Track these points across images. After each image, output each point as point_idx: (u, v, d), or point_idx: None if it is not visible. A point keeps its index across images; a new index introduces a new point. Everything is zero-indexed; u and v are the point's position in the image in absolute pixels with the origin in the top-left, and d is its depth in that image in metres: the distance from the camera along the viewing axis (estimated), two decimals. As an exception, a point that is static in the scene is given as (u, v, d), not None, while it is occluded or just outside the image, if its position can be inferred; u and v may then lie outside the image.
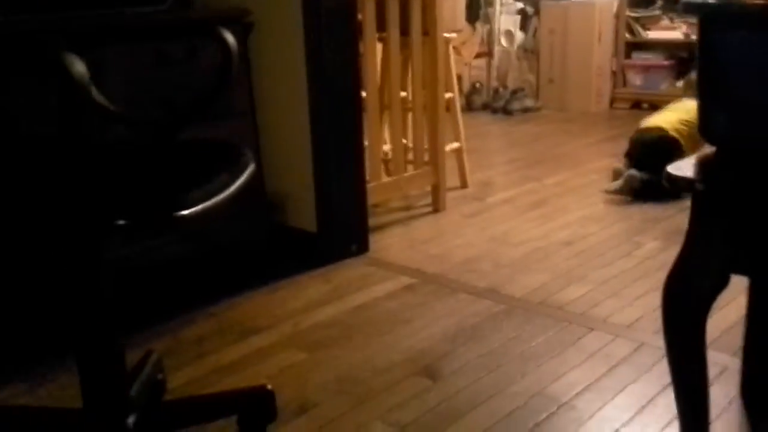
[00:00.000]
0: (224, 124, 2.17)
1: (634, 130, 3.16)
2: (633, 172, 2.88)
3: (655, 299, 1.97)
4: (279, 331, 1.88)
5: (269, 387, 1.44)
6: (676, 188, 0.98)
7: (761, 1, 1.07)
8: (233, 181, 1.22)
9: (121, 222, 1.06)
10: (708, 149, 1.07)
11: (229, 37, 1.38)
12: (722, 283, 1.01)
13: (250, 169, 1.29)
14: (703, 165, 1.00)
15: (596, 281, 2.12)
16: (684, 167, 1.00)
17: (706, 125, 1.03)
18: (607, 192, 2.96)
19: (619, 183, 2.93)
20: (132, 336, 1.76)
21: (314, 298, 2.06)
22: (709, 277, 1.00)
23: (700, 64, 1.02)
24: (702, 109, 1.03)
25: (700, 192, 0.96)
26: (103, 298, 1.28)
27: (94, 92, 1.44)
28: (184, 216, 1.09)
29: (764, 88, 0.95)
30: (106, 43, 1.93)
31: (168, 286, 2.08)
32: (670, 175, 0.98)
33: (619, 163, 3.11)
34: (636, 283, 2.10)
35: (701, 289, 1.01)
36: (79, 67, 1.01)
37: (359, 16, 2.39)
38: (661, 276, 2.10)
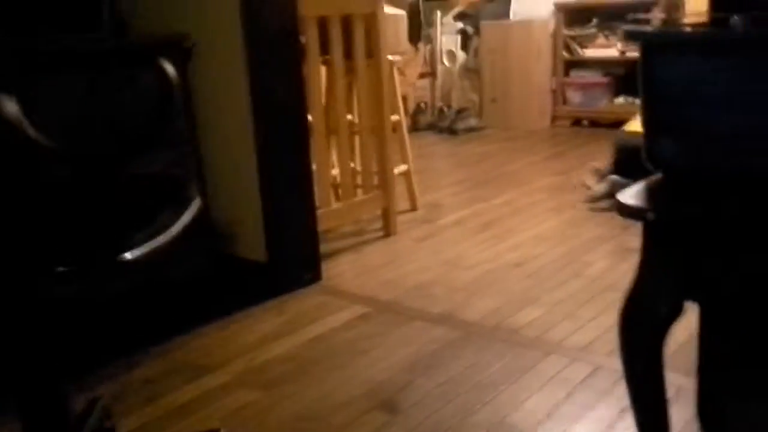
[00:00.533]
0: (165, 153, 2.09)
1: (615, 135, 3.27)
2: (616, 177, 2.97)
3: (607, 320, 1.99)
4: (232, 368, 1.81)
5: (224, 430, 1.38)
6: (627, 217, 0.97)
7: (699, 23, 1.08)
8: (178, 217, 1.16)
9: (61, 269, 0.99)
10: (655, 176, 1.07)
11: (169, 68, 1.33)
12: (677, 311, 1.00)
13: (196, 203, 1.24)
14: (652, 193, 1.00)
15: (549, 303, 2.12)
16: (634, 195, 1.00)
17: (652, 151, 1.03)
18: (591, 196, 3.04)
19: (602, 188, 3.02)
20: (77, 380, 1.66)
21: (268, 331, 2.00)
22: (663, 306, 0.99)
23: (643, 91, 1.02)
24: (647, 136, 1.03)
25: (652, 221, 0.96)
26: (44, 342, 1.20)
27: (29, 130, 1.36)
28: (129, 259, 1.03)
29: (708, 113, 0.96)
30: (39, 73, 1.84)
31: (112, 325, 1.99)
32: (620, 204, 0.97)
33: (598, 163, 3.20)
34: (588, 303, 2.11)
35: (657, 318, 1.00)
36: (10, 107, 0.94)
37: (302, 39, 2.36)
38: (611, 297, 2.13)
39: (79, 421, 1.36)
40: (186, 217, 1.16)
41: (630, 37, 0.98)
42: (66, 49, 1.94)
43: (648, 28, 1.01)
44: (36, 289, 1.11)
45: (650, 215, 0.93)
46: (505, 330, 1.96)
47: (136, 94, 1.98)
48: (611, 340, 1.85)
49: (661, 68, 0.95)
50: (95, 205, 1.22)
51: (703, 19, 1.01)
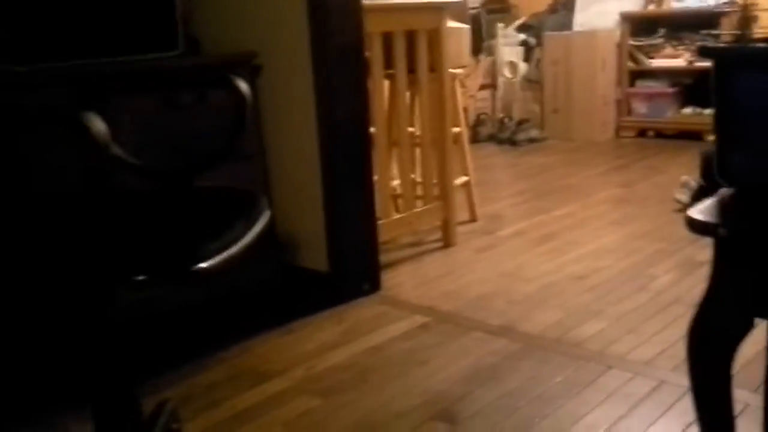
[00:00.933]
0: (234, 166, 2.17)
1: (700, 146, 3.26)
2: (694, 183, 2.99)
3: (672, 335, 1.95)
4: (292, 375, 1.86)
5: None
6: (697, 233, 0.97)
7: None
8: (250, 228, 1.22)
9: (140, 278, 1.05)
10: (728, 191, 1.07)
11: (243, 85, 1.39)
12: (747, 327, 0.99)
13: (266, 215, 1.29)
14: (724, 208, 1.00)
15: (612, 317, 2.10)
16: (705, 210, 1.00)
17: (724, 167, 1.02)
18: (681, 203, 3.06)
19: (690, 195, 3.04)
20: (145, 384, 1.74)
21: (327, 340, 2.05)
22: (733, 322, 0.98)
23: (716, 107, 1.02)
24: (719, 151, 1.02)
25: (723, 237, 0.96)
26: (117, 348, 1.27)
27: (114, 147, 1.45)
28: (203, 268, 1.09)
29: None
30: (118, 92, 1.95)
31: (179, 332, 2.07)
32: (691, 219, 0.97)
33: (688, 177, 3.18)
34: (652, 318, 2.07)
35: (726, 335, 0.99)
36: (98, 125, 1.01)
37: (367, 54, 2.41)
38: (677, 311, 2.09)
39: (149, 423, 1.42)
40: (257, 229, 1.21)
41: (704, 53, 0.98)
42: (143, 69, 2.04)
43: (721, 44, 1.01)
44: (115, 297, 1.18)
45: (722, 231, 0.93)
46: (566, 343, 1.95)
47: (210, 111, 2.06)
48: (675, 354, 1.83)
49: (734, 84, 0.95)
50: (172, 218, 1.29)
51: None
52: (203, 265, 1.08)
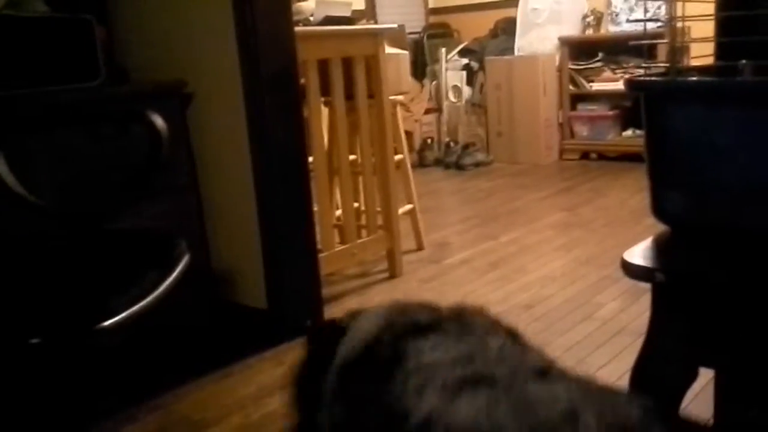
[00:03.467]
0: (164, 200, 2.06)
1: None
2: None
3: (619, 367, 1.91)
4: (229, 425, 1.74)
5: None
6: (633, 278, 0.91)
7: (704, 71, 1.03)
8: (163, 279, 1.11)
9: (35, 340, 0.94)
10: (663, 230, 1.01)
11: (158, 120, 1.29)
12: (691, 378, 0.94)
13: (184, 262, 1.19)
14: (660, 250, 0.94)
15: (560, 348, 2.04)
16: (641, 254, 0.94)
17: (659, 205, 0.97)
18: None
19: None
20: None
21: (266, 383, 1.93)
22: (676, 373, 0.92)
23: (647, 143, 0.97)
24: (653, 189, 0.97)
25: (661, 283, 0.90)
26: (23, 404, 1.15)
27: (13, 184, 1.33)
28: (105, 328, 0.98)
29: (715, 165, 0.90)
30: (33, 126, 1.82)
31: (104, 376, 1.93)
32: (627, 264, 0.91)
33: None
34: (599, 349, 2.03)
35: (668, 386, 0.93)
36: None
37: (302, 81, 2.33)
38: (623, 340, 2.05)
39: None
40: (171, 279, 1.11)
41: (633, 87, 0.92)
42: (59, 100, 1.92)
43: (650, 78, 0.96)
44: (8, 363, 1.06)
45: (659, 276, 0.87)
46: (513, 379, 1.88)
47: (133, 145, 1.95)
48: (624, 387, 1.78)
49: (665, 119, 0.89)
50: (76, 267, 1.17)
51: (709, 66, 0.96)
52: (107, 323, 0.98)
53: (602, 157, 4.93)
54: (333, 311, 2.40)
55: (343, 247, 2.63)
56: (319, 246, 2.38)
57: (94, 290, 1.07)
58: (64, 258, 1.23)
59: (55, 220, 1.36)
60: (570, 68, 4.95)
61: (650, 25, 4.64)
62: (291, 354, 2.11)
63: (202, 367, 2.02)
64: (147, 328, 2.06)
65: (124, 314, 1.00)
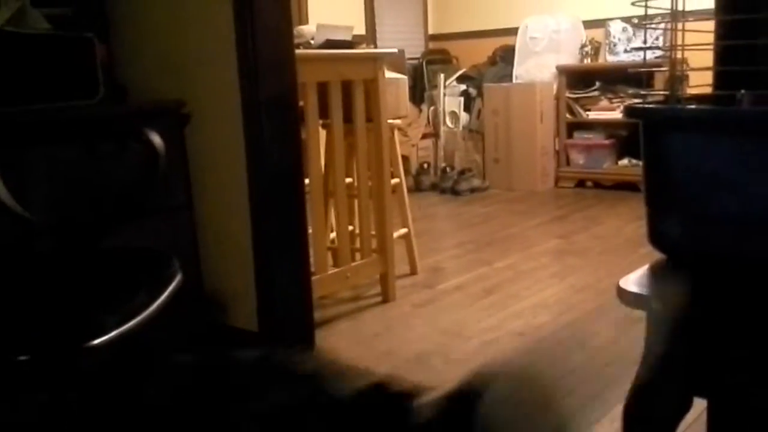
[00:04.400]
0: (157, 219, 2.05)
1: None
2: None
3: (611, 397, 1.89)
4: (215, 448, 1.71)
5: None
6: (628, 305, 0.90)
7: (702, 99, 1.03)
8: (155, 298, 1.10)
9: (23, 358, 0.93)
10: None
11: (156, 139, 1.29)
12: (685, 408, 0.92)
13: (176, 282, 1.17)
14: (656, 278, 0.93)
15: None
16: (636, 281, 0.93)
17: (655, 233, 0.96)
18: None
19: None
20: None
21: (255, 407, 1.91)
22: (669, 402, 0.91)
23: (645, 170, 0.96)
24: (649, 216, 0.97)
25: (656, 311, 0.89)
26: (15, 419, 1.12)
27: (6, 197, 1.31)
28: (94, 346, 0.96)
29: (713, 194, 0.89)
30: (33, 142, 1.82)
31: (87, 401, 1.90)
32: (623, 291, 0.90)
33: None
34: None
35: (662, 416, 0.92)
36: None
37: (301, 104, 2.34)
38: (616, 372, 2.03)
39: None
40: (162, 298, 1.09)
41: (630, 114, 0.92)
42: (58, 120, 1.92)
43: (649, 105, 0.96)
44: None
45: (654, 305, 0.86)
46: (506, 407, 1.86)
47: (131, 162, 1.94)
48: (616, 418, 1.75)
49: (663, 146, 0.89)
50: (67, 284, 1.16)
51: (707, 95, 0.97)
52: (96, 342, 0.96)
53: (598, 185, 4.94)
54: (324, 335, 2.38)
55: (336, 270, 2.62)
56: (312, 268, 2.37)
57: (85, 308, 1.06)
58: (55, 274, 1.22)
59: (48, 236, 1.35)
60: (567, 97, 4.99)
61: (648, 55, 4.69)
62: (282, 377, 2.08)
63: (192, 388, 1.99)
64: (136, 349, 2.04)
65: (113, 333, 0.99)
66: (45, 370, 0.97)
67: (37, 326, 1.01)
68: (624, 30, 4.92)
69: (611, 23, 4.95)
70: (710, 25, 0.96)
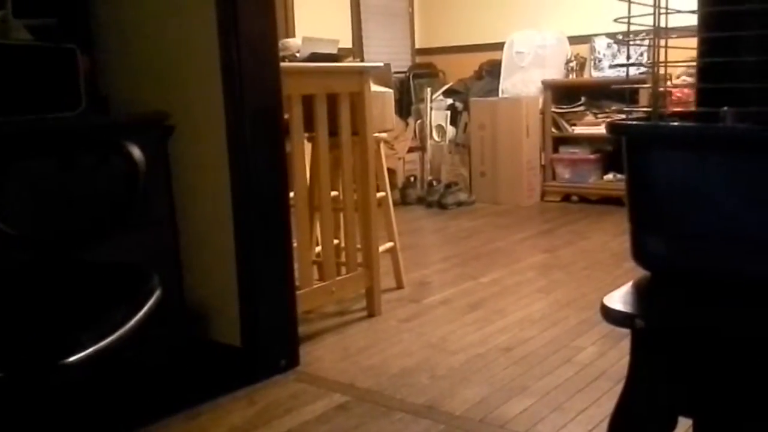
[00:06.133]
0: (140, 232, 2.02)
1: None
2: None
3: (598, 413, 1.88)
4: (196, 466, 1.68)
5: None
6: (612, 324, 0.89)
7: (685, 116, 1.03)
8: (133, 314, 1.07)
9: (-6, 374, 0.90)
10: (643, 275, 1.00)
11: (136, 152, 1.27)
12: (670, 426, 0.91)
13: (155, 297, 1.15)
14: (641, 295, 0.93)
15: (538, 393, 2.01)
16: (621, 299, 0.92)
17: (639, 250, 0.96)
18: None
19: None
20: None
21: (237, 424, 1.88)
22: (654, 422, 0.90)
23: (629, 187, 0.96)
24: (633, 233, 0.96)
25: (641, 328, 0.88)
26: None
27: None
28: (70, 363, 0.94)
29: (696, 211, 0.89)
30: (12, 153, 1.79)
31: (67, 414, 1.86)
32: (607, 309, 0.89)
33: None
34: (578, 394, 2.00)
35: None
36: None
37: (286, 116, 2.32)
38: (602, 386, 2.03)
39: None
40: (141, 314, 1.07)
41: (614, 131, 0.92)
42: (38, 128, 1.89)
43: (631, 122, 0.95)
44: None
45: (638, 323, 0.85)
46: (491, 424, 1.85)
47: (112, 175, 1.92)
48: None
49: (646, 163, 0.89)
50: (42, 300, 1.14)
51: (690, 111, 0.97)
52: (72, 359, 0.94)
53: (583, 199, 4.96)
54: (309, 350, 2.36)
55: (321, 284, 2.60)
56: (297, 282, 2.35)
57: (61, 324, 1.04)
58: (31, 289, 1.20)
59: (25, 249, 1.32)
60: (553, 111, 5.02)
61: (632, 71, 4.74)
62: (264, 393, 2.06)
63: (171, 406, 1.96)
64: (115, 364, 2.01)
65: (90, 350, 0.97)
66: (20, 387, 0.94)
67: (11, 343, 0.99)
68: (609, 46, 4.97)
69: (596, 39, 5.00)
70: (693, 42, 0.96)
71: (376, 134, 2.82)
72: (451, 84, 5.57)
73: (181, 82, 2.17)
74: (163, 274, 1.22)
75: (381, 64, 3.22)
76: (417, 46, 6.08)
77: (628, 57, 4.24)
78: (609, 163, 4.84)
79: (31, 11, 2.07)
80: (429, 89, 5.31)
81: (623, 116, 1.06)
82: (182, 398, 1.99)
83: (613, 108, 4.72)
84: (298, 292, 2.33)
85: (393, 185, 4.61)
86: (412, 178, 5.27)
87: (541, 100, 5.04)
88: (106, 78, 2.31)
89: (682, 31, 0.96)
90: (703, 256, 0.89)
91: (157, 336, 2.09)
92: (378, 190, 2.86)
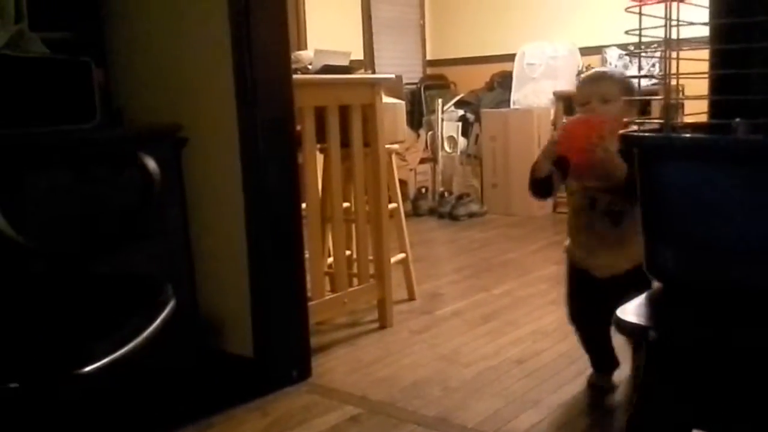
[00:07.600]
0: (154, 243, 2.04)
1: None
2: None
3: (612, 427, 1.87)
4: (208, 477, 1.68)
5: None
6: (625, 335, 0.89)
7: (698, 128, 1.03)
8: (147, 324, 1.08)
9: (13, 385, 0.91)
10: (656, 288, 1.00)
11: (151, 164, 1.28)
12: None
13: (169, 308, 1.16)
14: (654, 307, 0.92)
15: (550, 407, 2.00)
16: (634, 311, 0.92)
17: (653, 261, 0.95)
18: None
19: None
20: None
21: (249, 435, 1.88)
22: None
23: (642, 199, 0.96)
24: (647, 244, 0.96)
25: (654, 340, 0.87)
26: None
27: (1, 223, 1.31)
28: (85, 373, 0.95)
29: (710, 222, 0.89)
30: (28, 165, 1.81)
31: (81, 423, 1.87)
32: (620, 321, 0.89)
33: None
34: (591, 408, 1.99)
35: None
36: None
37: (298, 128, 2.34)
38: (615, 399, 2.01)
39: None
40: (156, 324, 1.08)
41: (628, 143, 0.92)
42: (54, 140, 1.91)
43: (644, 133, 0.95)
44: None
45: (652, 334, 0.85)
46: (503, 436, 1.84)
47: (127, 187, 1.94)
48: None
49: (659, 175, 0.89)
50: (58, 310, 1.15)
51: (702, 123, 0.97)
52: (87, 369, 0.95)
53: (596, 211, 4.93)
54: (321, 362, 2.36)
55: (333, 295, 2.60)
56: (308, 294, 2.35)
57: (76, 334, 1.04)
58: (47, 300, 1.21)
59: (41, 261, 1.34)
60: (564, 122, 5.00)
61: (644, 83, 4.73)
62: (276, 405, 2.06)
63: (184, 416, 1.96)
64: (129, 374, 2.01)
65: (105, 360, 0.97)
66: (34, 397, 0.95)
67: (27, 353, 1.00)
68: (620, 57, 4.96)
69: (608, 50, 4.99)
70: (705, 53, 0.96)
71: (388, 146, 2.83)
72: (462, 95, 5.58)
73: (195, 94, 2.19)
74: (177, 285, 1.23)
75: (392, 75, 3.24)
76: (428, 57, 6.10)
77: (640, 68, 4.24)
78: (621, 174, 4.82)
79: (47, 25, 2.10)
80: (440, 101, 5.32)
81: (635, 128, 1.06)
82: (195, 409, 1.99)
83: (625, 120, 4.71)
84: (310, 304, 2.34)
85: (405, 196, 4.61)
86: (423, 190, 5.28)
87: (552, 112, 5.04)
88: (120, 90, 2.34)
89: (694, 43, 0.96)
90: (716, 267, 0.88)
91: (171, 346, 2.10)
92: (390, 202, 2.87)
